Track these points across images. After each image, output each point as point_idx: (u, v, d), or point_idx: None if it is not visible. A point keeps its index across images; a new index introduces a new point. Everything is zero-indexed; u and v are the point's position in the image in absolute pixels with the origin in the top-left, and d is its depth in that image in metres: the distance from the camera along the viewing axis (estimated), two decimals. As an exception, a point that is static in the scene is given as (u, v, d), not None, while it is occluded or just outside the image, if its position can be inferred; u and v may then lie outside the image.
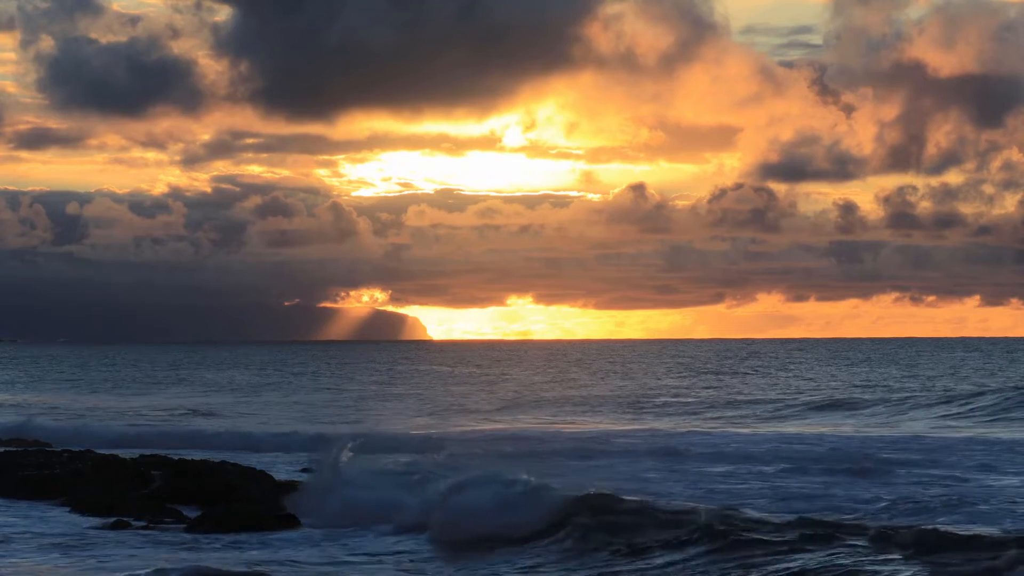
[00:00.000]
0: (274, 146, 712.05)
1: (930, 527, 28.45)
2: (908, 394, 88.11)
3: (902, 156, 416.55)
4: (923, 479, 41.26)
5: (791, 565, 24.61)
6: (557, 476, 41.72)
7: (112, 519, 32.67)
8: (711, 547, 26.61)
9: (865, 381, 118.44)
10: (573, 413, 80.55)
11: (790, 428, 66.73)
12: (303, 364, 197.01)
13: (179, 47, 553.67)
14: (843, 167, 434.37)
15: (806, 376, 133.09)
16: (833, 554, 24.74)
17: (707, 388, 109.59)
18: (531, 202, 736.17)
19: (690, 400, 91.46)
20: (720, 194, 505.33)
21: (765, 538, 26.67)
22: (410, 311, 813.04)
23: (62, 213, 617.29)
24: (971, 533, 27.42)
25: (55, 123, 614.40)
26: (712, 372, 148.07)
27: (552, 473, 42.55)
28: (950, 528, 28.86)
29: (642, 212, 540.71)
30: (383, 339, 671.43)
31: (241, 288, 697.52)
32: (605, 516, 29.31)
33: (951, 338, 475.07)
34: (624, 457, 49.68)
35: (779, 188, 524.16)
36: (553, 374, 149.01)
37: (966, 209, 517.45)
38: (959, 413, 73.89)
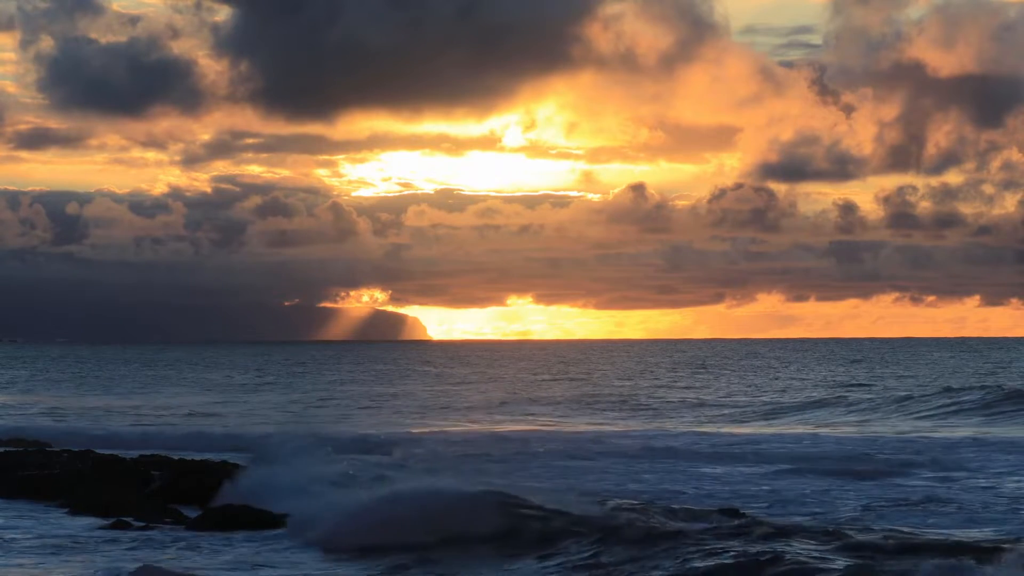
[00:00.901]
0: (274, 146, 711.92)
1: (886, 528, 28.81)
2: (903, 393, 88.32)
3: (902, 156, 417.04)
4: (907, 480, 41.48)
5: (703, 561, 24.62)
6: (547, 479, 42.08)
7: (112, 519, 32.88)
8: (624, 545, 26.32)
9: (855, 381, 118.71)
10: (567, 413, 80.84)
11: (783, 428, 67.01)
12: (303, 364, 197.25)
13: (179, 47, 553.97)
14: (843, 167, 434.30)
15: (800, 376, 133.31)
16: (760, 551, 24.75)
17: (698, 387, 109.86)
18: (531, 202, 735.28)
19: (683, 400, 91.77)
20: (720, 194, 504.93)
21: (689, 535, 26.60)
22: (410, 311, 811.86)
23: (62, 213, 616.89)
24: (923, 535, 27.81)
25: (55, 123, 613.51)
26: (707, 372, 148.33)
27: (536, 476, 42.88)
28: (910, 530, 29.26)
29: (642, 212, 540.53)
30: (383, 339, 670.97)
31: (241, 288, 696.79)
32: (510, 517, 28.78)
33: (951, 338, 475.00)
34: (613, 458, 49.89)
35: (779, 188, 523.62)
36: (551, 374, 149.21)
37: (966, 209, 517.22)
38: (949, 412, 74.22)
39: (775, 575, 23.30)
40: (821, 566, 23.35)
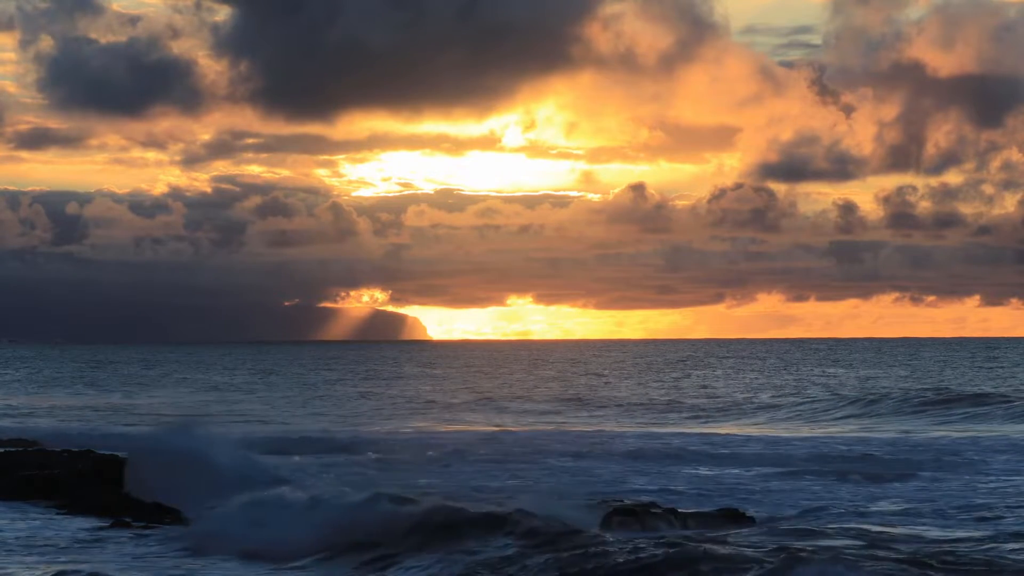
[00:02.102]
0: (274, 146, 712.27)
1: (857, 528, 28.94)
2: (898, 393, 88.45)
3: (902, 156, 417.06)
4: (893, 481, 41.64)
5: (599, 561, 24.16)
6: (530, 479, 42.23)
7: (112, 519, 33.16)
8: (526, 542, 25.83)
9: (849, 381, 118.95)
10: (560, 413, 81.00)
11: (773, 430, 67.22)
12: (302, 365, 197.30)
13: (179, 47, 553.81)
14: (843, 167, 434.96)
15: (794, 377, 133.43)
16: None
17: (691, 388, 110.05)
18: (531, 202, 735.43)
19: (673, 400, 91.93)
20: (720, 194, 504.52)
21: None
22: (410, 311, 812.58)
23: (62, 213, 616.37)
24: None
25: (55, 123, 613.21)
26: (699, 372, 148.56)
27: (516, 476, 42.97)
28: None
29: (642, 212, 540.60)
30: (383, 339, 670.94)
31: (241, 288, 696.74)
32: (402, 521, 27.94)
33: (951, 338, 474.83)
34: (601, 459, 50.02)
35: (779, 188, 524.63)
36: (547, 373, 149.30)
37: (966, 209, 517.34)
38: (947, 412, 74.50)
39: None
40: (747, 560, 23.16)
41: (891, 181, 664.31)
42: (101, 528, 32.23)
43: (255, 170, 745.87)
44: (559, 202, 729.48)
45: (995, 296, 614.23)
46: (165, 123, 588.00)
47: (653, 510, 31.95)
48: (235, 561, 28.12)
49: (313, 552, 27.81)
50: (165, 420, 66.70)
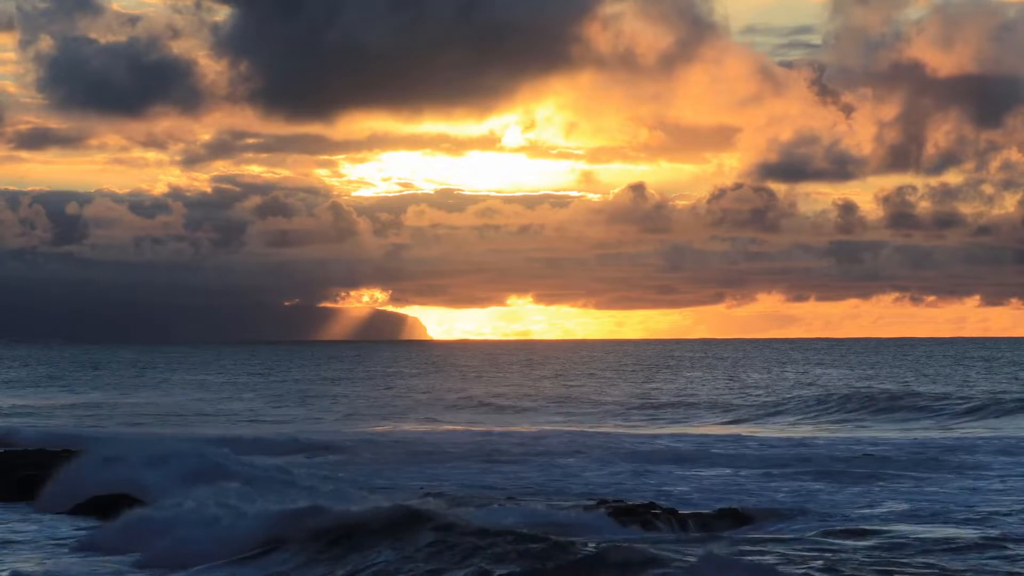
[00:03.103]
0: (274, 146, 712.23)
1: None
2: (895, 394, 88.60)
3: (901, 156, 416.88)
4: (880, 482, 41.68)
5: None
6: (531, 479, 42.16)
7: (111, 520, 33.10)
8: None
9: (846, 382, 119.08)
10: (550, 414, 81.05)
11: (771, 431, 67.26)
12: (302, 365, 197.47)
13: (179, 47, 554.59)
14: (843, 167, 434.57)
15: (788, 377, 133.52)
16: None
17: (680, 388, 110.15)
18: (531, 202, 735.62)
19: (661, 401, 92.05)
20: (720, 194, 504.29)
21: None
22: (410, 311, 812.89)
23: (62, 213, 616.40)
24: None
25: (55, 123, 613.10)
26: (690, 373, 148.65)
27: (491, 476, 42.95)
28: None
29: (642, 212, 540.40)
30: (383, 339, 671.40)
31: (241, 288, 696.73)
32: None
33: (951, 338, 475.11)
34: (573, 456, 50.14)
35: (779, 188, 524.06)
36: (541, 374, 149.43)
37: (966, 209, 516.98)
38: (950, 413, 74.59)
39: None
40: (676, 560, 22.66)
41: (891, 181, 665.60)
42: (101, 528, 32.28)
43: (255, 170, 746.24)
44: (559, 202, 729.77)
45: (995, 296, 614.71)
46: (165, 123, 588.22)
47: (653, 510, 31.96)
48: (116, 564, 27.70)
49: (224, 556, 27.02)
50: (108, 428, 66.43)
